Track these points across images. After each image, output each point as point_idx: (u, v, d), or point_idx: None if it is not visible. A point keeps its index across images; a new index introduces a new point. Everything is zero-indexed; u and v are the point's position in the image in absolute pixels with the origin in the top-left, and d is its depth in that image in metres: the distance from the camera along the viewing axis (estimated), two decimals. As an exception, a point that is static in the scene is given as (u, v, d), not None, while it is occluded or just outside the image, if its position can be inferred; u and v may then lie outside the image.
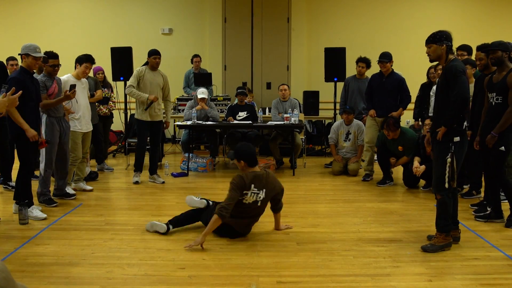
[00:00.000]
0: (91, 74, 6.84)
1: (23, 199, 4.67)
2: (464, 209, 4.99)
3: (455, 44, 3.93)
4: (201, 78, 8.81)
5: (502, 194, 4.68)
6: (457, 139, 3.78)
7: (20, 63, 6.46)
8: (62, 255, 3.75)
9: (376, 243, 4.05)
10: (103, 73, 7.51)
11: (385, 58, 6.47)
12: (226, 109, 8.00)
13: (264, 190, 4.05)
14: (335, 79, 8.37)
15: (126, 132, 8.44)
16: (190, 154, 7.19)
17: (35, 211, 4.71)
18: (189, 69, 9.26)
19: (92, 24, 10.19)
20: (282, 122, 7.03)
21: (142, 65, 6.29)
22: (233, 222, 4.05)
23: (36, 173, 5.31)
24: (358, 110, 7.44)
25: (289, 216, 4.72)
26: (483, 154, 4.54)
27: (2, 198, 5.63)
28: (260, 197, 4.05)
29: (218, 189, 5.88)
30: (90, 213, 4.96)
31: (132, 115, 8.08)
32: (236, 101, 7.86)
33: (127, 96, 7.73)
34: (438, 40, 3.77)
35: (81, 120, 5.71)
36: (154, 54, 6.19)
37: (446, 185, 3.80)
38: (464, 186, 5.84)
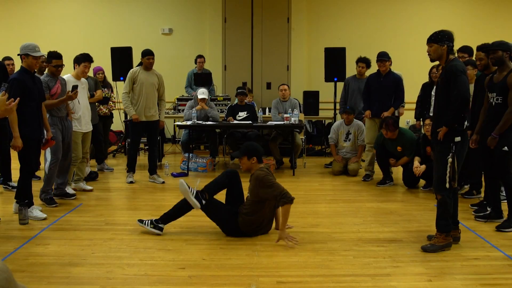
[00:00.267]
0: (91, 74, 6.84)
1: (23, 199, 4.67)
2: (464, 209, 4.98)
3: (456, 44, 3.92)
4: (201, 78, 8.81)
5: (503, 194, 4.67)
6: (458, 139, 3.78)
7: (15, 63, 6.50)
8: (62, 255, 3.75)
9: (376, 243, 4.05)
10: (103, 73, 7.50)
11: (385, 56, 6.47)
12: (226, 109, 8.01)
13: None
14: (335, 79, 8.37)
15: (126, 132, 8.43)
16: (190, 154, 7.19)
17: (35, 211, 4.70)
18: (192, 69, 9.25)
19: (92, 24, 10.20)
20: (282, 122, 7.03)
21: (137, 66, 6.31)
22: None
23: (38, 173, 5.32)
24: (358, 110, 7.44)
25: (289, 216, 4.70)
26: (484, 154, 4.53)
27: (2, 198, 5.63)
28: None
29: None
30: (90, 213, 4.96)
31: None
32: (236, 101, 7.86)
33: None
34: (439, 40, 3.76)
35: (81, 120, 5.70)
36: (147, 55, 6.20)
37: (447, 185, 3.80)
38: (465, 186, 5.84)
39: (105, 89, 7.29)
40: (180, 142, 8.31)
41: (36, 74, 4.89)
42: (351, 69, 8.05)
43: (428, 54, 3.88)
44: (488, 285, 3.26)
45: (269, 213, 4.18)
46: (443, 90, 3.84)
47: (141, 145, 8.17)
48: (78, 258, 3.69)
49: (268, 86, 10.02)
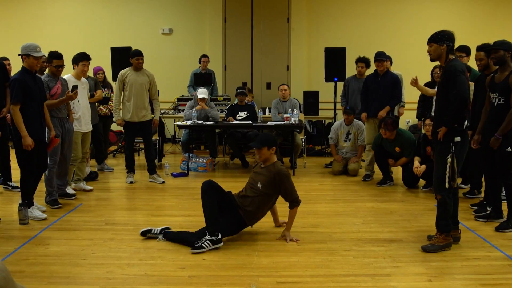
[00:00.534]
0: (91, 74, 6.83)
1: (23, 199, 4.67)
2: (464, 209, 4.99)
3: (457, 44, 3.92)
4: (201, 78, 8.81)
5: (503, 194, 4.67)
6: (457, 139, 3.78)
7: (11, 63, 6.49)
8: (62, 255, 3.75)
9: (376, 243, 4.05)
10: (103, 73, 7.50)
11: (382, 56, 6.47)
12: (226, 109, 8.01)
13: None
14: (335, 79, 8.37)
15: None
16: (190, 154, 7.19)
17: (35, 211, 4.70)
18: (196, 68, 9.22)
19: (92, 24, 10.20)
20: (282, 122, 7.03)
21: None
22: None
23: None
24: (359, 110, 7.44)
25: (289, 216, 4.72)
26: (486, 154, 4.52)
27: (2, 198, 5.62)
28: None
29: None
30: (90, 213, 4.96)
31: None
32: (236, 101, 7.86)
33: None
34: (439, 40, 3.76)
35: (80, 120, 5.70)
36: (136, 55, 6.20)
37: (447, 185, 3.80)
38: (465, 186, 5.84)
39: (105, 89, 7.29)
40: (180, 142, 8.31)
41: (36, 74, 4.88)
42: (351, 69, 8.06)
43: (429, 54, 3.88)
44: (488, 285, 3.26)
45: (271, 205, 4.29)
46: (443, 90, 3.84)
47: (141, 145, 8.18)
48: (78, 258, 3.69)
49: (268, 86, 10.02)
